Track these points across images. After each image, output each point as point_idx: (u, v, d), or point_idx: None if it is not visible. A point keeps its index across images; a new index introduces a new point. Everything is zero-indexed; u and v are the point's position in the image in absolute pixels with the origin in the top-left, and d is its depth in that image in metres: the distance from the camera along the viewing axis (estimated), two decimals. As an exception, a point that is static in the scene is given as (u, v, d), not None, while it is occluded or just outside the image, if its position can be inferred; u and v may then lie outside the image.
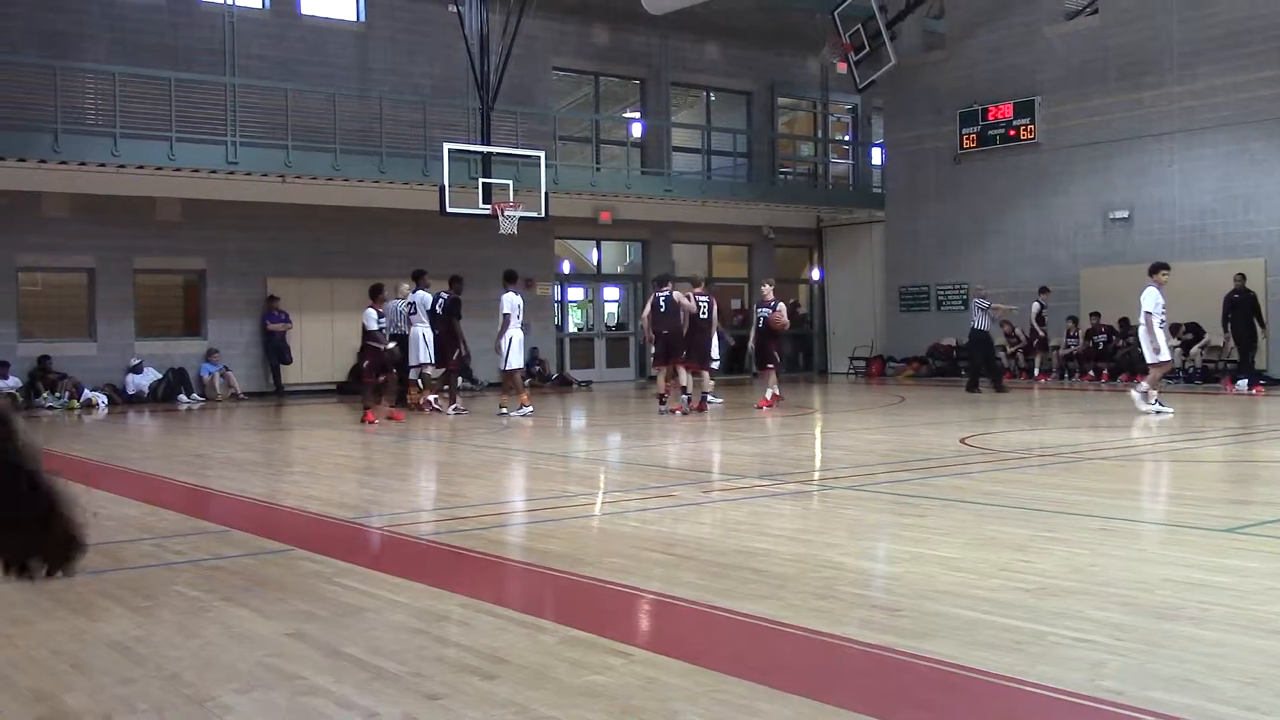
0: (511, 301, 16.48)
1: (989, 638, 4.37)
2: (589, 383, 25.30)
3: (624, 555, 6.18)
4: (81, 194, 20.12)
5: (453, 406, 17.10)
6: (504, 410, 16.40)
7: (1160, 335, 14.59)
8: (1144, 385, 14.94)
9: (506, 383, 17.19)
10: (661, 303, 16.20)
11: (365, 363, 16.00)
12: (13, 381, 19.05)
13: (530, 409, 16.33)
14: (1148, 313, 14.60)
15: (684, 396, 16.21)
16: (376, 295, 15.95)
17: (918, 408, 17.27)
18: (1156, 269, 15.00)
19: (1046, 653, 4.18)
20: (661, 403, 16.25)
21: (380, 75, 22.90)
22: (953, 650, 4.20)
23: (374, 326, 15.69)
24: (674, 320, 16.09)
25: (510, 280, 16.73)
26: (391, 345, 16.08)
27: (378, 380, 16.05)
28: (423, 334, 17.44)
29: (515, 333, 16.52)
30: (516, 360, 16.65)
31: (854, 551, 6.28)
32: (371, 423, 15.15)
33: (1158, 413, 14.40)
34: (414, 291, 17.67)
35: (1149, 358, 14.85)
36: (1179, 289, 22.06)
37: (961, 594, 5.07)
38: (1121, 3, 23.24)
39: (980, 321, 20.00)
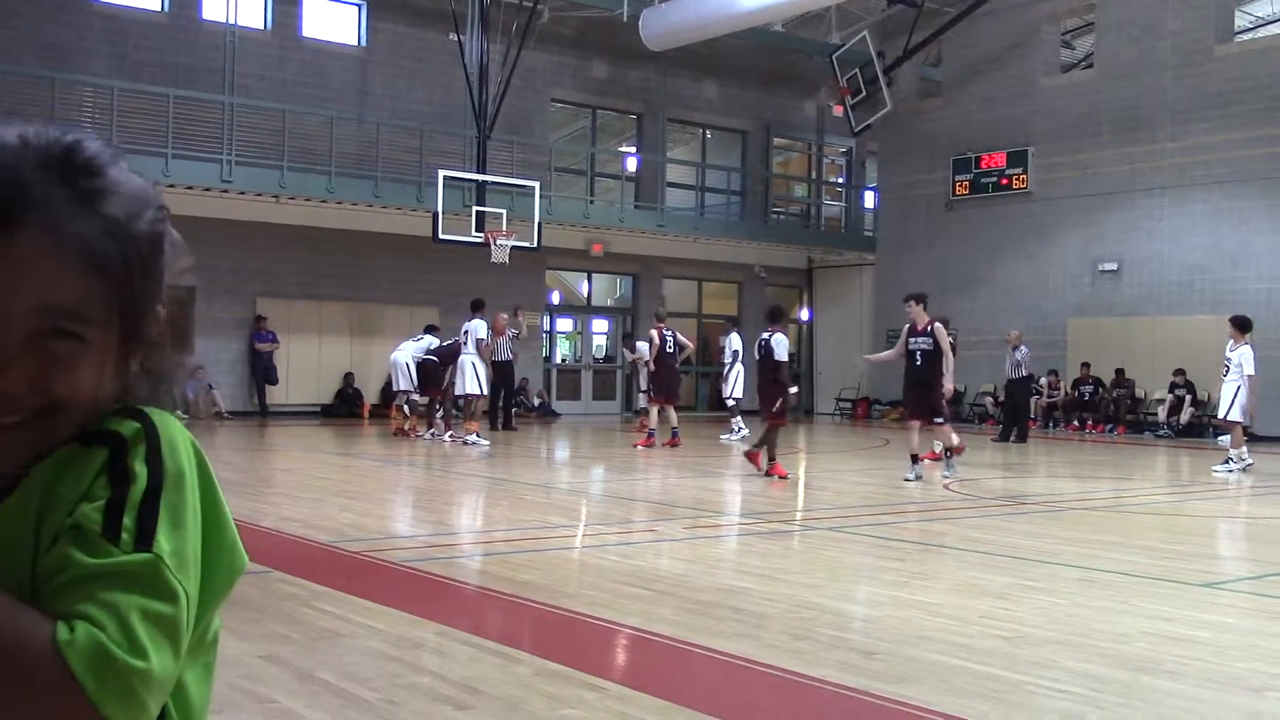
0: (475, 328, 16.50)
1: (966, 685, 4.36)
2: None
3: (603, 589, 6.15)
4: (74, 206, 20.06)
5: (431, 431, 17.27)
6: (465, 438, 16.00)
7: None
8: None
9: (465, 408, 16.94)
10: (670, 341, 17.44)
11: (773, 403, 12.39)
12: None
13: (477, 439, 15.77)
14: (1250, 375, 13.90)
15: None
16: (779, 318, 12.91)
17: (902, 451, 17.22)
18: (1250, 326, 14.38)
19: (1023, 702, 4.16)
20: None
21: (379, 100, 22.97)
22: (929, 696, 4.18)
23: (784, 356, 12.56)
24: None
25: (476, 309, 16.76)
26: (794, 389, 12.18)
27: (782, 421, 12.61)
28: (472, 362, 16.74)
29: (472, 358, 16.38)
30: (474, 387, 16.43)
31: (833, 593, 6.26)
32: (783, 476, 12.37)
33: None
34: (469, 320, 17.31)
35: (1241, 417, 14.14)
36: (1165, 344, 22.35)
37: (940, 640, 5.06)
38: (1116, 58, 23.49)
39: (1020, 370, 19.27)
